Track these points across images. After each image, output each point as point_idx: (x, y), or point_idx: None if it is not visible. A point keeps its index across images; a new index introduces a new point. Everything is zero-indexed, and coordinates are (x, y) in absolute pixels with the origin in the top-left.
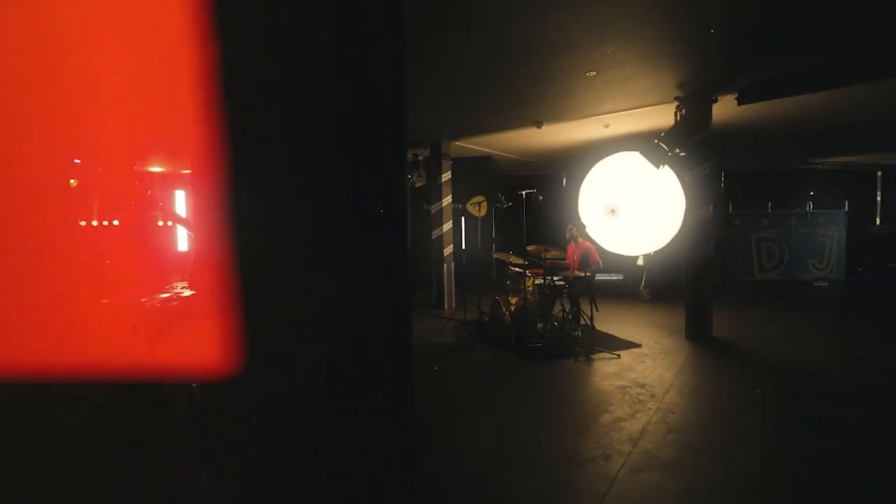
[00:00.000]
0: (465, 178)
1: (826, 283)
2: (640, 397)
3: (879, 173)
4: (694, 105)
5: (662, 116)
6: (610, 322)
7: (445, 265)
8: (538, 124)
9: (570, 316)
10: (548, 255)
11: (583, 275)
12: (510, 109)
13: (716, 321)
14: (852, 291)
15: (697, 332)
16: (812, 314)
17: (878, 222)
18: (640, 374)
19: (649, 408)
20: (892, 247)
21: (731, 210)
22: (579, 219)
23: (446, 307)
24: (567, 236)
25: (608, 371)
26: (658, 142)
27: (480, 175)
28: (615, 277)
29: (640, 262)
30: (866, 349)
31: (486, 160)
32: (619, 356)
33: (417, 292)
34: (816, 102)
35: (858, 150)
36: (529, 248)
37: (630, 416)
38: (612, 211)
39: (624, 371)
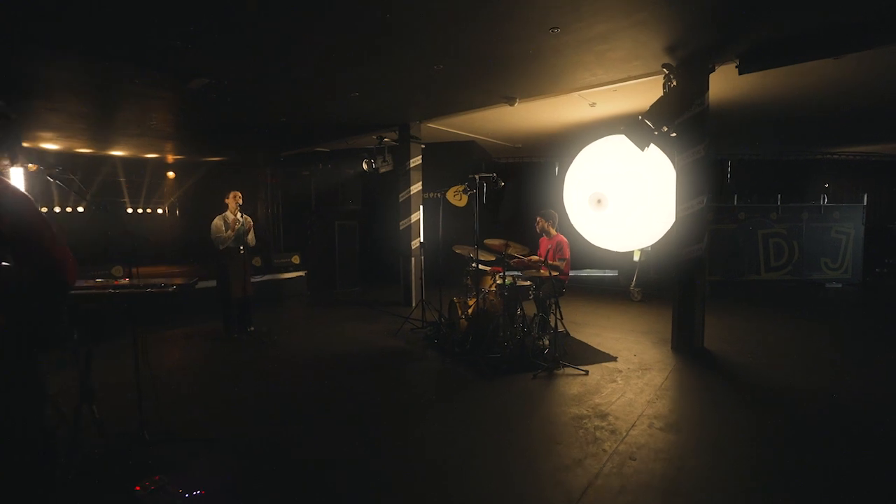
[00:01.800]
0: (446, 164)
1: (840, 285)
2: (598, 433)
3: None
4: (686, 74)
5: (655, 94)
6: (590, 327)
7: (413, 259)
8: (510, 101)
9: (536, 322)
10: (510, 250)
11: (556, 274)
12: (473, 81)
13: (711, 328)
14: (870, 295)
15: (685, 344)
16: (824, 321)
17: None
18: (605, 398)
19: (605, 450)
20: None
21: (735, 202)
22: (560, 208)
23: (414, 305)
24: (537, 229)
25: (569, 393)
26: (643, 118)
27: (462, 162)
28: (609, 274)
29: (636, 257)
30: (888, 367)
31: (468, 146)
32: (586, 372)
33: (385, 288)
34: (835, 73)
35: (880, 137)
36: (489, 241)
37: (577, 463)
38: (598, 201)
39: (587, 394)
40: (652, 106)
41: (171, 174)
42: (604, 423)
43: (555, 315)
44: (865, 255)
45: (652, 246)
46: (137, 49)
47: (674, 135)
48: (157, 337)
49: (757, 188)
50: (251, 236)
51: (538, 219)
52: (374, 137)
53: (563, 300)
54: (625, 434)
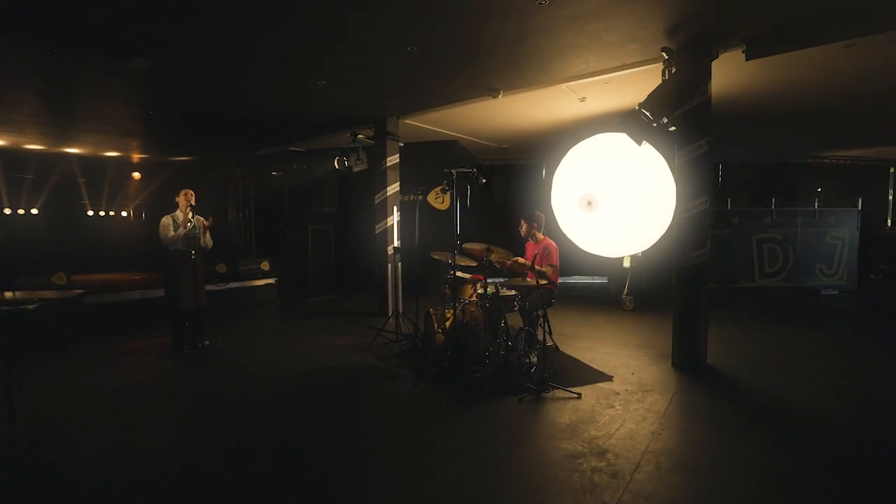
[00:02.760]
0: (427, 165)
1: (836, 292)
2: (596, 477)
3: (892, 169)
4: (688, 60)
5: (650, 87)
6: (581, 340)
7: (390, 265)
8: (494, 93)
9: (522, 336)
10: (492, 256)
11: (543, 283)
12: (453, 69)
13: (711, 341)
14: (867, 302)
15: (687, 360)
16: (825, 332)
17: (889, 224)
18: (603, 429)
19: (605, 502)
20: None
21: (728, 206)
22: (548, 211)
23: (390, 313)
24: (521, 233)
25: (560, 422)
26: (640, 108)
27: (444, 162)
28: (598, 280)
29: (626, 263)
30: None
31: (450, 146)
32: (579, 395)
33: (361, 296)
34: (845, 65)
35: (873, 141)
36: (469, 246)
37: None
38: (589, 203)
39: (582, 423)
40: (650, 94)
41: (136, 175)
42: (602, 464)
43: (543, 329)
44: (860, 261)
45: (643, 252)
46: (61, 22)
47: (672, 128)
48: (97, 351)
49: (748, 192)
50: (207, 240)
51: (521, 222)
52: (349, 135)
53: (551, 309)
54: (628, 478)
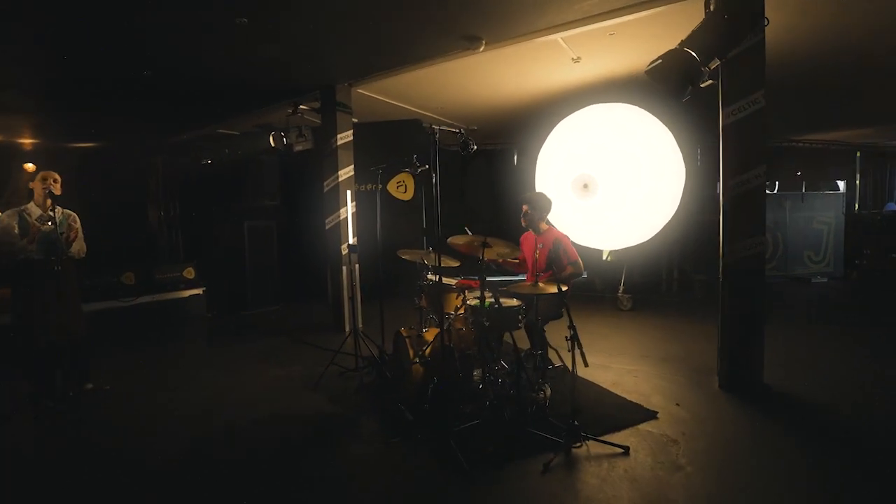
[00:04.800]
0: (385, 148)
1: (825, 279)
2: None
3: (858, 154)
4: None
5: (665, 39)
6: (589, 353)
7: (345, 268)
8: (474, 44)
9: (535, 362)
10: (492, 251)
11: (554, 290)
12: (419, 3)
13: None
14: (861, 290)
15: (741, 381)
16: (848, 327)
17: (856, 207)
18: None
19: None
20: (891, 234)
21: (719, 189)
22: (541, 196)
23: (347, 329)
24: (523, 222)
25: None
26: (683, 47)
27: (406, 145)
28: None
29: (606, 256)
30: None
31: (412, 126)
32: (626, 450)
33: (313, 305)
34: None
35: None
36: (455, 240)
37: None
38: (585, 186)
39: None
40: (698, 29)
41: (29, 166)
42: None
43: (571, 351)
44: (846, 247)
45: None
46: None
47: (709, 82)
48: None
49: None
50: (78, 245)
51: (524, 207)
52: (290, 110)
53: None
54: None
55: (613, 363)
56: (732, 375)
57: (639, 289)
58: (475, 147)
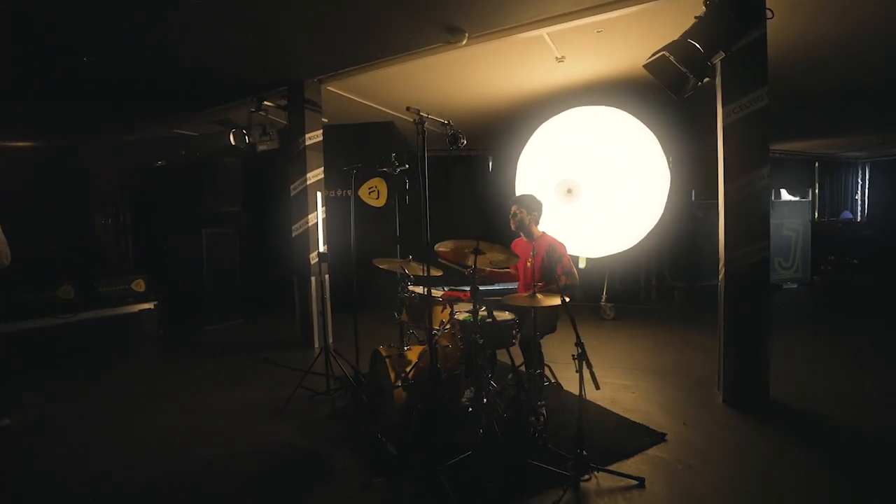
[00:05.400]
0: (355, 153)
1: (796, 285)
2: None
3: (817, 164)
4: None
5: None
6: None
7: (314, 279)
8: (456, 37)
9: (532, 382)
10: (485, 259)
11: (556, 302)
12: None
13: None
14: (830, 295)
15: (747, 397)
16: (834, 335)
17: (815, 216)
18: None
19: None
20: (850, 241)
21: (693, 198)
22: (504, 204)
23: (317, 345)
24: (513, 225)
25: None
26: (688, 39)
27: (378, 149)
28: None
29: (581, 264)
30: None
31: (385, 129)
32: (640, 482)
33: (280, 319)
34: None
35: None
36: (443, 247)
37: None
38: (569, 191)
39: None
40: (701, 20)
41: None
42: None
43: (578, 371)
44: (813, 253)
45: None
46: None
47: (705, 80)
48: None
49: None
50: (1, 248)
51: (514, 208)
52: (253, 108)
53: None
54: None
55: (607, 377)
56: (737, 390)
57: (619, 297)
58: (465, 142)
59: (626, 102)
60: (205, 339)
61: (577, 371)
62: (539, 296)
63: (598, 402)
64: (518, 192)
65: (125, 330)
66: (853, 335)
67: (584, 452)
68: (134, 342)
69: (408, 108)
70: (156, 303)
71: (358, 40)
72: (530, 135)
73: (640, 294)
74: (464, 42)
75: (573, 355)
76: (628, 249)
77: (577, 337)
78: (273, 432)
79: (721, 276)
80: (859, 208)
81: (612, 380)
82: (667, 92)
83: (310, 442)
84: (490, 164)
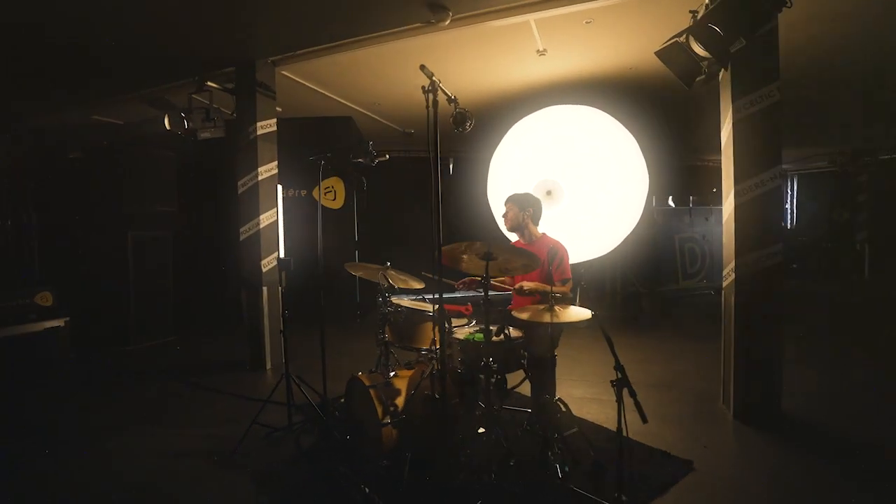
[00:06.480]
0: (311, 149)
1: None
2: None
3: None
4: None
5: (644, 36)
6: (573, 384)
7: (266, 290)
8: (440, 14)
9: (548, 412)
10: (497, 266)
11: (585, 317)
12: None
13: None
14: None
15: (757, 409)
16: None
17: None
18: None
19: None
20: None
21: (653, 203)
22: (481, 206)
23: (269, 367)
24: (507, 225)
25: None
26: (708, 23)
27: (335, 145)
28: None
29: None
30: None
31: (342, 124)
32: None
33: (224, 335)
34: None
35: None
36: (448, 249)
37: None
38: (549, 192)
39: None
40: (719, 4)
41: None
42: None
43: (619, 402)
44: None
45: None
46: None
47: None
48: None
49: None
50: None
51: (508, 206)
52: (192, 91)
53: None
54: None
55: (602, 394)
56: (749, 405)
57: (587, 304)
58: (472, 123)
59: (609, 102)
60: (130, 362)
61: (616, 400)
62: (558, 308)
63: (602, 424)
64: (490, 195)
65: (25, 353)
66: (818, 336)
67: (625, 498)
68: (35, 368)
69: (422, 67)
70: (67, 319)
71: (324, 13)
72: (500, 136)
73: (606, 299)
74: (447, 22)
75: (612, 381)
76: (596, 257)
77: (616, 360)
78: (222, 488)
79: (728, 282)
80: (789, 217)
81: (609, 396)
82: (678, 81)
83: (273, 500)
84: (451, 167)
